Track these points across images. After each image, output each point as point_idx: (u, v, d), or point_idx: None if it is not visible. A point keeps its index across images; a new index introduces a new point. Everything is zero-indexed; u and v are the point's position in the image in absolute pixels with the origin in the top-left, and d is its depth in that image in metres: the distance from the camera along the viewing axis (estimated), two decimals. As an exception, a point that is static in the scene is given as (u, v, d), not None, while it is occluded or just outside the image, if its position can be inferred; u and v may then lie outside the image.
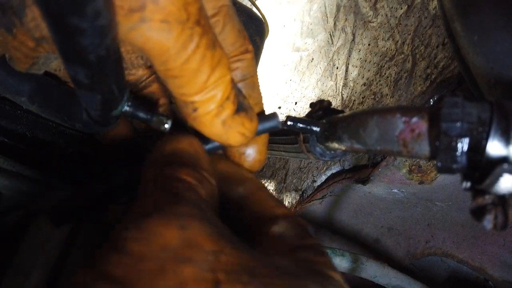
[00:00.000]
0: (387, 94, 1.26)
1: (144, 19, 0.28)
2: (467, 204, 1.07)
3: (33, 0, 0.29)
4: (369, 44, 1.43)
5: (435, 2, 1.15)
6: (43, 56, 0.34)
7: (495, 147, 0.31)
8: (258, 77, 0.42)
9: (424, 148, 0.35)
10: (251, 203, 0.35)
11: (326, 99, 0.54)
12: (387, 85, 1.27)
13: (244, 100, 0.38)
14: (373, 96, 1.33)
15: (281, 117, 0.44)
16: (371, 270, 0.97)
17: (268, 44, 1.88)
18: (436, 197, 1.12)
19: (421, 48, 1.17)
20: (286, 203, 1.52)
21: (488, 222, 0.31)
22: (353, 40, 1.52)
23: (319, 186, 1.41)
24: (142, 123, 0.41)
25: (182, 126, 0.42)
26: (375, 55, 1.38)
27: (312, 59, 1.75)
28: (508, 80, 0.47)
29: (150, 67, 0.42)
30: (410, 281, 1.01)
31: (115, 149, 0.46)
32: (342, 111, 0.50)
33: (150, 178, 0.31)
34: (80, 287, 0.22)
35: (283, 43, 2.00)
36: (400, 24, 1.29)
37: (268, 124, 0.40)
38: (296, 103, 1.77)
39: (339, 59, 1.57)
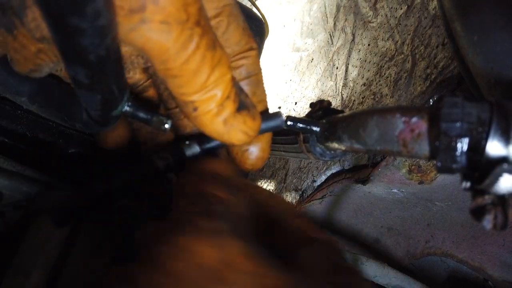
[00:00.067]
0: (387, 94, 1.26)
1: (144, 20, 0.28)
2: (466, 204, 1.07)
3: (33, 0, 0.29)
4: (369, 44, 1.43)
5: (435, 2, 1.15)
6: (45, 65, 0.34)
7: (494, 147, 0.31)
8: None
9: (424, 148, 0.35)
10: (286, 226, 0.34)
11: (326, 99, 0.54)
12: (387, 85, 1.27)
13: (246, 99, 0.38)
14: (373, 96, 1.33)
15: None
16: (371, 270, 0.97)
17: (268, 44, 1.88)
18: (436, 197, 1.12)
19: (421, 48, 1.17)
20: (286, 203, 1.51)
21: (487, 222, 0.31)
22: (353, 40, 1.52)
23: (319, 186, 1.41)
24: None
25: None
26: (375, 55, 1.38)
27: (312, 59, 1.75)
28: (508, 80, 0.47)
29: (147, 71, 0.42)
30: (410, 281, 1.02)
31: (115, 150, 0.46)
32: (342, 111, 0.50)
33: (185, 193, 0.30)
34: None
35: (283, 43, 2.00)
36: (400, 24, 1.29)
37: (271, 123, 0.40)
38: (296, 103, 1.77)
39: (339, 59, 1.57)
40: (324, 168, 1.40)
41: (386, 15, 1.36)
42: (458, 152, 0.32)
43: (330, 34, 1.67)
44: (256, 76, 0.40)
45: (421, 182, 1.06)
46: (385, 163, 1.09)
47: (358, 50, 1.48)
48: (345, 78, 1.50)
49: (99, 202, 0.39)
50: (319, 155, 0.50)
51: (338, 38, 1.61)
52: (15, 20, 0.30)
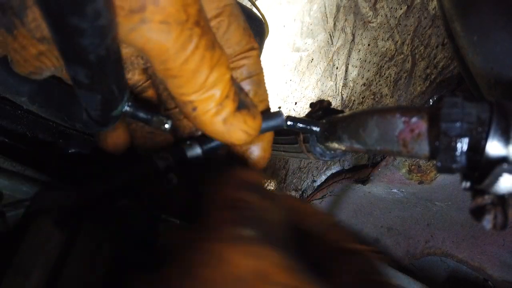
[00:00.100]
0: (386, 94, 1.26)
1: (145, 20, 0.28)
2: (466, 204, 1.07)
3: (34, 0, 0.29)
4: (368, 44, 1.43)
5: (435, 2, 1.15)
6: (46, 69, 0.34)
7: (494, 147, 0.31)
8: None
9: (424, 148, 0.35)
10: (318, 236, 0.33)
11: (326, 99, 0.54)
12: (386, 85, 1.27)
13: (246, 98, 0.38)
14: (372, 96, 1.33)
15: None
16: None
17: (268, 44, 1.88)
18: (436, 197, 1.12)
19: (421, 48, 1.17)
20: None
21: (487, 222, 0.31)
22: (353, 40, 1.52)
23: (319, 186, 1.41)
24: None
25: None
26: (375, 55, 1.38)
27: (312, 59, 1.75)
28: (508, 80, 0.47)
29: (146, 72, 0.42)
30: (409, 281, 1.01)
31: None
32: (342, 111, 0.50)
33: (217, 200, 0.29)
34: None
35: (283, 43, 2.00)
36: (400, 24, 1.29)
37: (272, 122, 0.40)
38: (296, 103, 1.77)
39: (339, 59, 1.57)
40: (324, 168, 1.40)
41: (386, 15, 1.36)
42: (458, 152, 0.32)
43: (330, 34, 1.67)
44: (257, 75, 0.40)
45: (421, 182, 1.06)
46: (385, 163, 1.09)
47: (358, 50, 1.48)
48: (345, 78, 1.50)
49: (99, 202, 0.39)
50: (319, 155, 0.50)
51: (338, 38, 1.61)
52: (15, 20, 0.30)
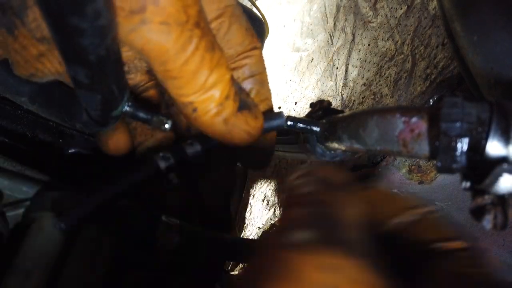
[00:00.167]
0: (387, 94, 1.26)
1: (145, 20, 0.28)
2: (466, 204, 1.07)
3: (34, 0, 0.29)
4: (369, 44, 1.43)
5: (435, 2, 1.15)
6: (47, 71, 0.34)
7: (494, 147, 0.31)
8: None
9: (424, 148, 0.35)
10: (409, 234, 0.27)
11: (326, 99, 0.54)
12: (386, 85, 1.27)
13: (248, 98, 0.38)
14: (373, 96, 1.33)
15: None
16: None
17: (268, 44, 1.88)
18: (436, 197, 1.12)
19: (421, 48, 1.17)
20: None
21: (487, 222, 0.31)
22: (353, 40, 1.52)
23: (319, 186, 1.41)
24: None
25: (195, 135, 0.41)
26: (375, 55, 1.38)
27: (312, 59, 1.75)
28: (508, 80, 0.47)
29: (150, 72, 0.42)
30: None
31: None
32: (342, 111, 0.50)
33: (299, 201, 0.25)
34: None
35: (283, 43, 2.00)
36: (400, 24, 1.29)
37: (274, 122, 0.40)
38: (296, 103, 1.77)
39: (339, 59, 1.57)
40: (324, 168, 1.40)
41: (386, 15, 1.36)
42: (458, 152, 0.32)
43: (330, 34, 1.67)
44: (260, 75, 0.40)
45: (421, 182, 1.06)
46: (385, 163, 1.09)
47: (358, 50, 1.48)
48: (345, 78, 1.50)
49: (109, 206, 0.39)
50: (319, 155, 0.50)
51: (338, 38, 1.61)
52: (16, 20, 0.30)
